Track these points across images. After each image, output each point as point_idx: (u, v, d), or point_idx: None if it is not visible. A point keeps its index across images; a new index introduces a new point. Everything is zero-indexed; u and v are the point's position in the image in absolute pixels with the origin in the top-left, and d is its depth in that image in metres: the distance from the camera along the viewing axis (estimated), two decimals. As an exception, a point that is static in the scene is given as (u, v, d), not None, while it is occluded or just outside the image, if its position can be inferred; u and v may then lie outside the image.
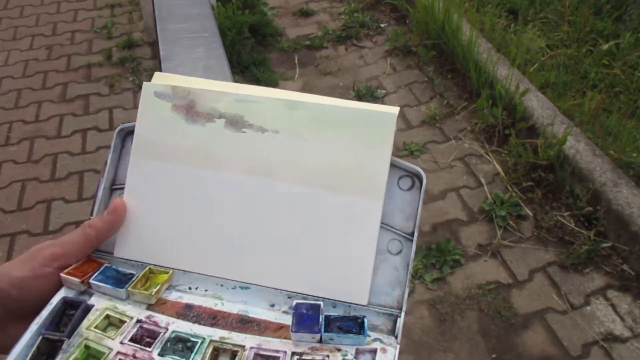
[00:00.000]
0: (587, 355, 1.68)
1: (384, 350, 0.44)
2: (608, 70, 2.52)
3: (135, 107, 2.76)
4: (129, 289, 0.50)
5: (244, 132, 0.49)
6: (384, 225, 0.48)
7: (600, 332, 1.73)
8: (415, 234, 0.48)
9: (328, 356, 0.44)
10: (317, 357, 0.44)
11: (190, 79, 0.51)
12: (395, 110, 0.47)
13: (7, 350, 0.36)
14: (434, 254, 1.96)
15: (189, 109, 0.49)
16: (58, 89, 2.95)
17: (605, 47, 2.60)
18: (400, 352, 0.45)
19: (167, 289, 0.51)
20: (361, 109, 0.47)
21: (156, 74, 0.51)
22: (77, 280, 0.46)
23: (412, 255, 0.48)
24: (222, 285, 0.51)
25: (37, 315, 0.40)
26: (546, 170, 2.16)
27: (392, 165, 0.48)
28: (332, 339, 0.45)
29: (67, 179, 2.40)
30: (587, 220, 2.01)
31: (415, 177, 0.49)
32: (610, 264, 1.91)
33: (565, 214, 2.06)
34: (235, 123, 0.49)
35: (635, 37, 2.60)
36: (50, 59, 3.21)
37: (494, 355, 1.70)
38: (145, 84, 0.50)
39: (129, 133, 0.54)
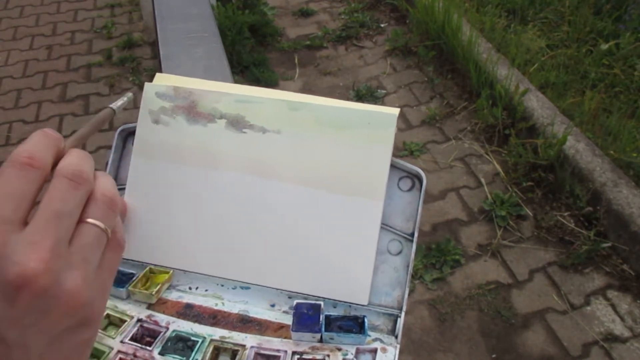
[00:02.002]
0: (587, 355, 1.68)
1: (384, 350, 0.45)
2: (608, 70, 2.52)
3: (135, 107, 2.75)
4: (130, 288, 0.50)
5: (245, 132, 0.49)
6: (384, 226, 0.48)
7: (600, 332, 1.73)
8: (415, 235, 0.48)
9: (328, 355, 0.44)
10: (317, 357, 0.44)
11: (191, 80, 0.51)
12: (395, 111, 0.47)
13: None
14: (434, 254, 1.96)
15: (190, 109, 0.49)
16: (58, 89, 2.95)
17: (605, 47, 2.60)
18: (400, 352, 0.45)
19: (168, 288, 0.51)
20: (362, 110, 0.47)
21: (157, 75, 0.51)
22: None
23: (412, 255, 0.48)
24: (222, 285, 0.51)
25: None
26: (546, 170, 2.16)
27: (393, 166, 0.48)
28: (332, 339, 0.45)
29: (67, 178, 2.40)
30: (587, 220, 2.01)
31: (415, 178, 0.49)
32: (610, 264, 1.91)
33: (565, 214, 2.06)
34: (237, 123, 0.49)
35: (635, 37, 2.60)
36: (50, 59, 3.21)
37: (494, 355, 1.70)
38: (146, 84, 0.50)
39: (130, 134, 0.54)
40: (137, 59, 3.12)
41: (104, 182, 0.31)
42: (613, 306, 1.80)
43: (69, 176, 0.29)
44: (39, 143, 0.30)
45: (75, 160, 0.31)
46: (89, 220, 0.30)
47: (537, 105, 2.34)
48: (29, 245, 0.26)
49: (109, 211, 0.31)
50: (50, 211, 0.28)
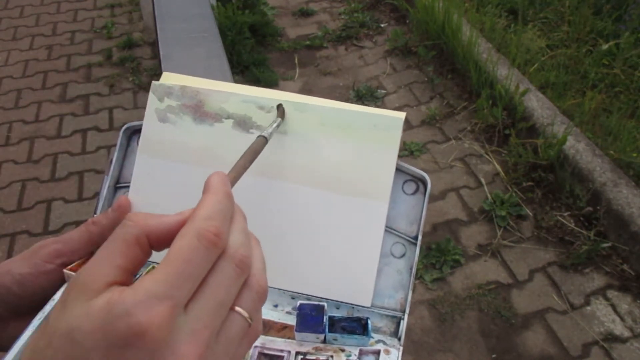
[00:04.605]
0: (587, 355, 1.68)
1: (387, 352, 0.45)
2: (608, 70, 2.52)
3: (135, 107, 2.75)
4: (133, 289, 0.50)
5: (252, 132, 0.49)
6: (388, 229, 0.48)
7: (600, 332, 1.73)
8: (419, 238, 0.48)
9: (332, 356, 0.44)
10: (321, 357, 0.44)
11: (198, 79, 0.51)
12: (402, 115, 0.47)
13: (7, 347, 0.36)
14: (434, 254, 1.96)
15: (197, 108, 0.49)
16: (58, 89, 2.95)
17: (605, 47, 2.60)
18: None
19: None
20: (368, 113, 0.48)
21: (164, 73, 0.51)
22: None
23: (416, 259, 0.48)
24: (225, 286, 0.51)
25: (40, 311, 0.40)
26: (546, 170, 2.17)
27: (397, 169, 0.48)
28: (335, 340, 0.45)
29: (67, 179, 2.40)
30: (587, 220, 2.02)
31: (419, 181, 0.49)
32: (610, 264, 1.91)
33: (565, 214, 2.06)
34: (243, 124, 0.49)
35: (635, 37, 2.60)
36: (50, 59, 3.21)
37: (494, 355, 1.70)
38: (154, 83, 0.50)
39: (134, 132, 0.54)
40: (137, 59, 3.12)
41: (258, 269, 0.29)
42: (613, 306, 1.81)
43: (237, 262, 0.27)
44: (224, 211, 0.28)
45: (245, 240, 0.28)
46: (238, 309, 0.27)
47: (537, 105, 2.34)
48: (190, 335, 0.24)
49: (260, 303, 0.28)
50: (215, 299, 0.26)
